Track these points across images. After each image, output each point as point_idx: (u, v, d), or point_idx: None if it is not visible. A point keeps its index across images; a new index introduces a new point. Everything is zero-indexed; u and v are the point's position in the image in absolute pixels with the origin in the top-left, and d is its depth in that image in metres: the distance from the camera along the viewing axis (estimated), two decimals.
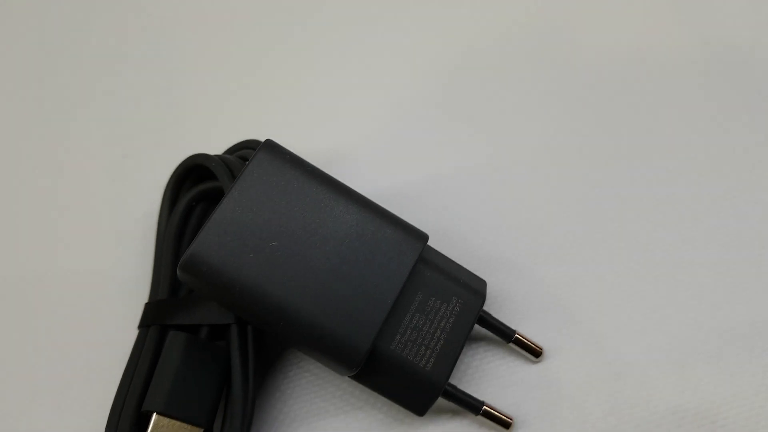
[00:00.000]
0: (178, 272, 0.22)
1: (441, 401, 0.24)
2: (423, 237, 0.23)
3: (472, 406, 0.23)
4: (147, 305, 0.26)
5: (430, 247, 0.25)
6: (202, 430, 0.23)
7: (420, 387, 0.23)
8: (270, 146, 0.23)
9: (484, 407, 0.23)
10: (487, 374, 0.25)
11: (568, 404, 0.24)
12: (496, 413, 0.24)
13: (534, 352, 0.25)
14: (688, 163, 0.28)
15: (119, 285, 0.29)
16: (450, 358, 0.23)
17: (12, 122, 0.34)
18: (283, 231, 0.22)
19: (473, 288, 0.24)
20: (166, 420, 0.23)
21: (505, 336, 0.25)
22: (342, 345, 0.22)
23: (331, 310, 0.22)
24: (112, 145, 0.33)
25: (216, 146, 0.29)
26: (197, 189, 0.28)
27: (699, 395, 0.24)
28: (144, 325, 0.25)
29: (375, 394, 0.25)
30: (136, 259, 0.29)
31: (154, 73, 0.34)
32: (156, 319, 0.25)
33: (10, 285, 0.29)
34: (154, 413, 0.23)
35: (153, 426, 0.23)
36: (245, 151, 0.29)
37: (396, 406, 0.25)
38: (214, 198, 0.29)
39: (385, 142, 0.30)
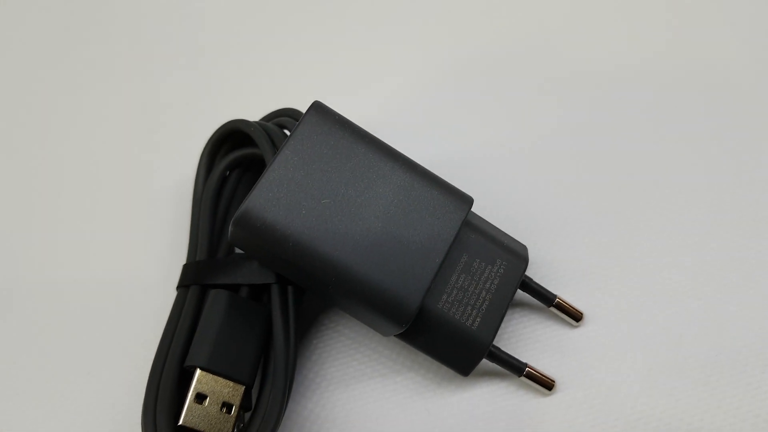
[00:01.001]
0: (231, 228, 0.22)
1: (482, 364, 0.24)
2: (468, 200, 0.23)
3: (516, 368, 0.24)
4: (186, 266, 0.26)
5: (473, 213, 0.25)
6: (244, 388, 0.23)
7: (466, 346, 0.23)
8: (319, 107, 0.23)
9: (528, 369, 0.24)
10: (526, 338, 0.25)
11: (607, 368, 0.24)
12: (539, 375, 0.24)
13: (574, 316, 0.25)
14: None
15: (154, 253, 0.29)
16: (495, 319, 0.23)
17: (43, 89, 0.34)
18: (335, 189, 0.22)
19: (516, 252, 0.24)
20: (209, 376, 0.23)
21: (546, 300, 0.25)
22: (393, 301, 0.22)
23: (382, 267, 0.22)
24: (144, 115, 0.33)
25: (251, 115, 0.29)
26: (234, 155, 0.28)
27: (734, 355, 0.24)
28: (183, 285, 0.25)
29: (414, 357, 0.25)
30: (169, 226, 0.29)
31: (188, 44, 0.34)
32: (196, 280, 0.25)
33: (44, 258, 0.29)
34: (198, 369, 0.23)
35: (197, 381, 0.22)
36: (283, 118, 0.28)
37: (434, 369, 0.25)
38: (250, 165, 0.29)
39: (426, 110, 0.30)
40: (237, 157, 0.28)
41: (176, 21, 0.35)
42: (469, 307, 0.23)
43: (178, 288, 0.25)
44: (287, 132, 0.28)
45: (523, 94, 0.31)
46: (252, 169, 0.29)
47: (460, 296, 0.23)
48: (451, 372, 0.25)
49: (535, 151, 0.29)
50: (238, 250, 0.27)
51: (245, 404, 0.23)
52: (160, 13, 0.35)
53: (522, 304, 0.26)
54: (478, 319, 0.23)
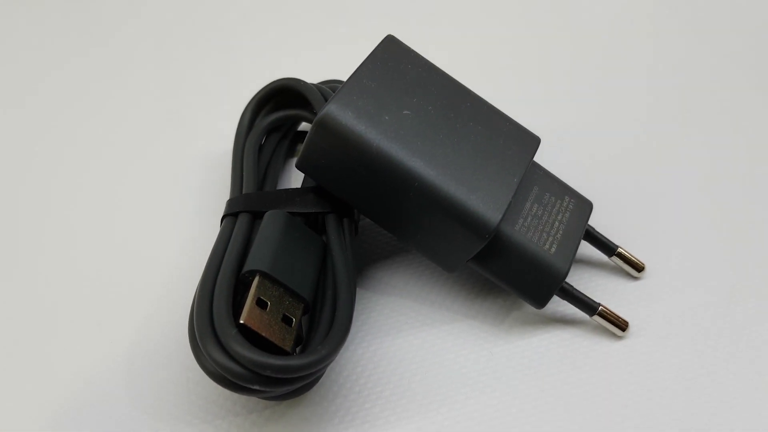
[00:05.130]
0: (311, 134, 0.21)
1: (551, 308, 0.23)
2: (537, 137, 0.24)
3: (589, 306, 0.22)
4: (231, 199, 0.24)
5: (537, 162, 0.25)
6: (303, 306, 0.21)
7: (543, 272, 0.22)
8: (394, 38, 0.24)
9: (601, 307, 0.23)
10: (589, 289, 0.24)
11: (669, 319, 0.24)
12: (613, 314, 0.23)
13: (636, 267, 0.24)
14: None
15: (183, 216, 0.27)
16: (569, 249, 0.23)
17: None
18: (414, 104, 0.22)
19: (581, 195, 0.25)
20: (269, 284, 0.20)
21: (608, 250, 0.24)
22: (475, 211, 0.21)
23: (463, 179, 0.21)
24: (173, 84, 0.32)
25: None
26: (281, 113, 0.28)
27: None
28: (231, 213, 0.23)
29: (473, 304, 0.24)
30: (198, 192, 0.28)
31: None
32: (246, 207, 0.23)
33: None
34: (258, 275, 0.20)
35: (256, 287, 0.20)
36: (334, 84, 0.29)
37: (497, 317, 0.24)
38: (287, 132, 0.29)
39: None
40: (283, 116, 0.28)
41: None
42: (545, 234, 0.22)
43: (223, 218, 0.23)
44: None
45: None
46: (288, 136, 0.29)
47: (535, 223, 0.23)
48: (514, 319, 0.23)
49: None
50: None
51: (300, 330, 0.21)
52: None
53: (581, 259, 0.25)
54: (554, 245, 0.22)
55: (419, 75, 0.23)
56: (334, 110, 0.21)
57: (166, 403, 0.22)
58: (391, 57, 0.23)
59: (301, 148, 0.29)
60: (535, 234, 0.22)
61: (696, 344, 0.23)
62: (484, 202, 0.21)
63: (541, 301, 0.22)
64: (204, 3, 0.38)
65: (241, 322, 0.19)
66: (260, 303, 0.20)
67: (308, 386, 0.20)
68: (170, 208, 0.28)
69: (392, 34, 0.24)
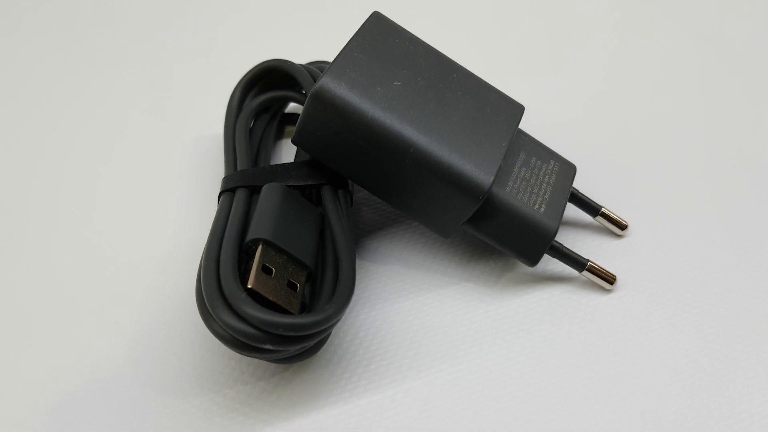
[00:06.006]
0: (307, 107, 0.22)
1: (541, 267, 0.24)
2: (521, 105, 0.25)
3: (578, 262, 0.24)
4: (227, 176, 0.25)
5: (521, 129, 0.26)
6: (306, 274, 0.21)
7: (534, 230, 0.23)
8: (379, 15, 0.25)
9: (590, 263, 0.24)
10: (575, 248, 0.25)
11: (653, 272, 0.25)
12: (601, 269, 0.24)
13: (620, 225, 0.25)
14: None
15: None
16: (558, 209, 0.24)
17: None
18: (404, 75, 0.23)
19: (564, 159, 0.26)
20: (272, 251, 0.21)
21: (593, 210, 0.25)
22: (469, 174, 0.22)
23: (455, 146, 0.22)
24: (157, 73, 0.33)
25: None
26: (270, 94, 0.28)
27: None
28: (228, 189, 0.24)
29: (467, 268, 0.25)
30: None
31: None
32: (242, 182, 0.24)
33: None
34: (261, 244, 0.21)
35: (260, 254, 0.20)
36: (322, 64, 0.29)
37: (491, 279, 0.24)
38: (275, 114, 0.29)
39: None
40: (272, 97, 0.28)
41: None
42: (534, 195, 0.23)
43: (222, 193, 0.24)
44: None
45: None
46: (277, 118, 0.29)
47: (524, 185, 0.24)
48: (507, 280, 0.24)
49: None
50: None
51: (304, 297, 0.21)
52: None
53: (566, 221, 0.26)
54: (543, 206, 0.23)
55: (407, 48, 0.24)
56: (329, 82, 0.21)
57: (173, 378, 0.22)
58: (379, 32, 0.24)
59: (294, 127, 0.30)
60: (525, 195, 0.23)
61: (679, 294, 0.24)
62: (477, 165, 0.22)
63: (533, 259, 0.23)
64: None
65: (249, 287, 0.19)
66: (265, 270, 0.20)
67: (315, 349, 0.21)
68: (162, 192, 0.28)
69: (378, 10, 0.25)
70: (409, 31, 0.25)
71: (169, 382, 0.22)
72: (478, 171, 0.22)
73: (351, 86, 0.22)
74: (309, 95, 0.22)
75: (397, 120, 0.22)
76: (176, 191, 0.28)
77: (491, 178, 0.22)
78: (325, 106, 0.21)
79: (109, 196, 0.28)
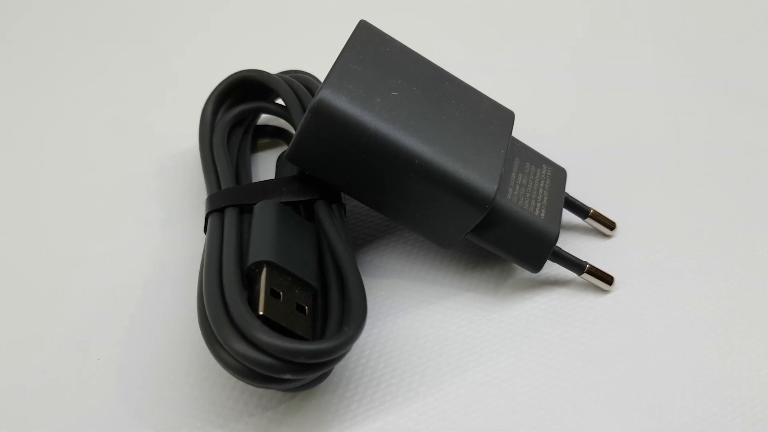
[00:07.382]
0: (305, 121, 0.21)
1: (542, 273, 0.24)
2: (512, 112, 0.25)
3: (578, 265, 0.24)
4: (213, 195, 0.23)
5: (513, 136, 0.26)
6: (312, 293, 0.20)
7: (536, 236, 0.23)
8: (367, 24, 0.24)
9: (589, 265, 0.24)
10: (567, 250, 0.25)
11: (646, 269, 0.25)
12: (600, 271, 0.24)
13: (609, 225, 0.26)
14: None
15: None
16: (556, 213, 0.24)
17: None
18: (399, 84, 0.22)
19: (554, 162, 0.26)
20: (277, 274, 0.20)
21: (582, 212, 0.26)
22: (473, 184, 0.21)
23: (457, 155, 0.21)
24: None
25: None
26: (245, 106, 0.27)
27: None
28: (216, 209, 0.22)
29: (466, 278, 0.24)
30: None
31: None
32: (232, 201, 0.22)
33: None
34: (264, 267, 0.19)
35: (266, 278, 0.19)
36: (302, 75, 0.28)
37: (492, 288, 0.24)
38: (248, 127, 0.28)
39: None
40: (247, 109, 0.27)
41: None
42: (533, 201, 0.23)
43: (208, 215, 0.22)
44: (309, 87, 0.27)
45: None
46: (250, 131, 0.28)
47: (523, 191, 0.23)
48: (508, 287, 0.24)
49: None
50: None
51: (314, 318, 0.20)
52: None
53: None
54: (543, 211, 0.23)
55: (398, 57, 0.23)
56: (329, 96, 0.20)
57: (173, 415, 0.21)
58: (370, 41, 0.23)
59: (270, 139, 0.29)
60: (525, 201, 0.23)
61: (672, 290, 0.25)
62: (480, 175, 0.21)
63: (536, 265, 0.23)
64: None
65: (261, 313, 0.18)
66: (273, 294, 0.19)
67: (324, 376, 0.20)
68: (135, 213, 0.26)
69: (364, 19, 0.24)
70: (396, 39, 0.24)
71: (170, 419, 0.21)
72: (482, 180, 0.21)
73: (350, 99, 0.21)
74: (308, 110, 0.21)
75: (399, 131, 0.21)
76: (150, 212, 0.26)
77: (495, 186, 0.21)
78: (325, 121, 0.20)
79: (77, 223, 0.26)
